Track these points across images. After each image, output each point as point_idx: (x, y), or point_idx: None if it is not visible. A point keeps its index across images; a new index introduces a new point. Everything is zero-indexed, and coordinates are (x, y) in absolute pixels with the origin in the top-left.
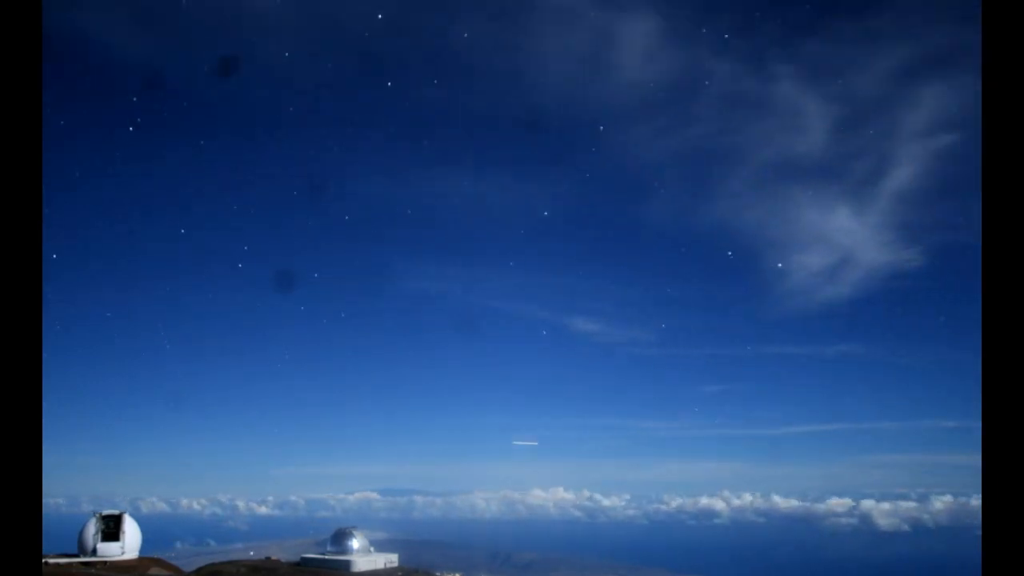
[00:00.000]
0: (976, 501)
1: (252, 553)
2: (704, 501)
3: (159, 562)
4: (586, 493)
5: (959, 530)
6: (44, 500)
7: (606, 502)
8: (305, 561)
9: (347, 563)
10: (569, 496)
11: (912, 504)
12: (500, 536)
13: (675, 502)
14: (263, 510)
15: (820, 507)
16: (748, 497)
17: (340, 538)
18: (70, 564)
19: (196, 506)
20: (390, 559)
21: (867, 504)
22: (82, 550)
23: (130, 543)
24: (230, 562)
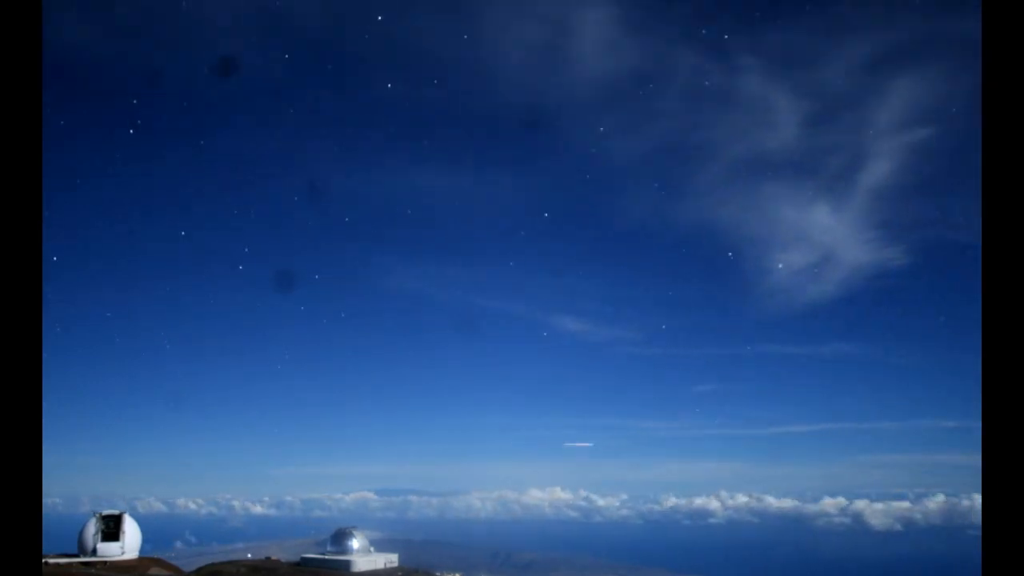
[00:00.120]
0: (968, 501)
1: (250, 555)
2: (700, 501)
3: (159, 562)
4: (583, 493)
5: (953, 530)
6: (44, 500)
7: (603, 502)
8: (305, 561)
9: (347, 563)
10: (567, 496)
11: (906, 504)
12: (499, 536)
13: (672, 502)
14: (258, 509)
15: (816, 507)
16: (743, 498)
17: (340, 538)
18: (70, 564)
19: (192, 505)
20: (390, 559)
21: (861, 504)
22: (82, 550)
23: (130, 543)
24: (230, 562)
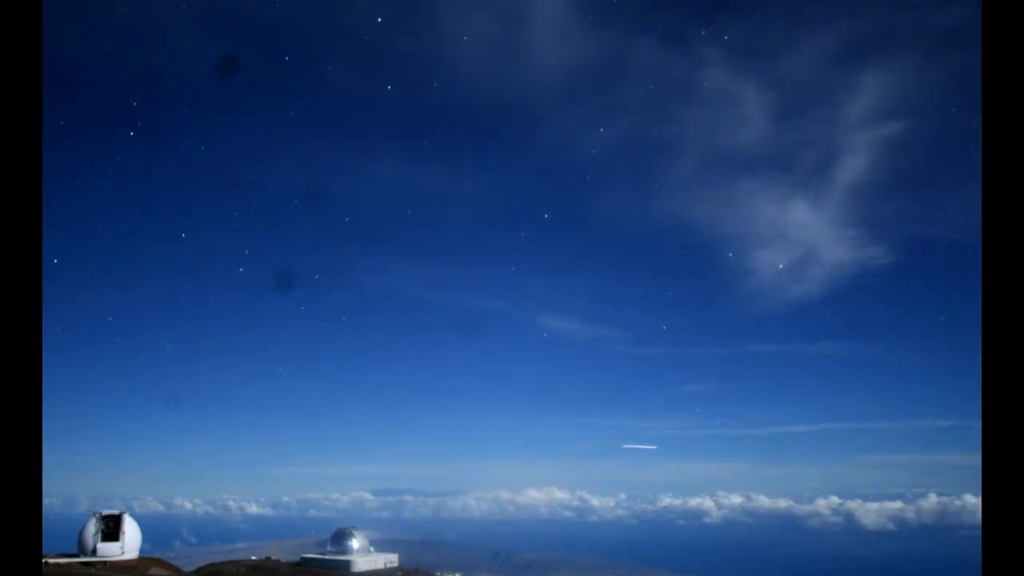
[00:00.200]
0: (960, 501)
1: (253, 557)
2: (697, 501)
3: (159, 562)
4: (580, 493)
5: (946, 529)
6: (44, 500)
7: (601, 502)
8: (305, 561)
9: (347, 563)
10: (564, 496)
11: (900, 504)
12: (498, 536)
13: (669, 502)
14: (255, 509)
15: (811, 507)
16: (739, 498)
17: (340, 538)
18: (70, 564)
19: (188, 505)
20: (390, 559)
21: (856, 504)
22: (82, 550)
23: (130, 543)
24: (230, 562)
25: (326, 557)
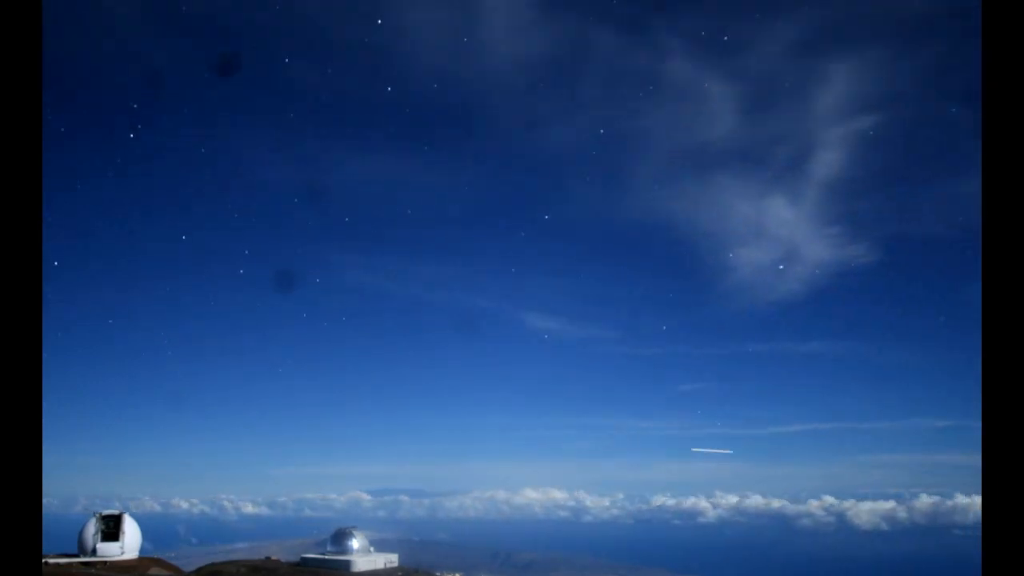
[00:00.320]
0: (951, 502)
1: (269, 556)
2: (691, 501)
3: (159, 562)
4: (577, 493)
5: (939, 529)
6: (44, 500)
7: (600, 502)
8: (305, 561)
9: (347, 563)
10: (561, 496)
11: (893, 504)
12: (495, 536)
13: (663, 502)
14: (250, 508)
15: (806, 507)
16: (733, 498)
17: (340, 538)
18: (70, 564)
19: (185, 504)
20: (390, 559)
21: (849, 503)
22: (82, 550)
23: (130, 543)
24: (230, 562)
25: (326, 557)
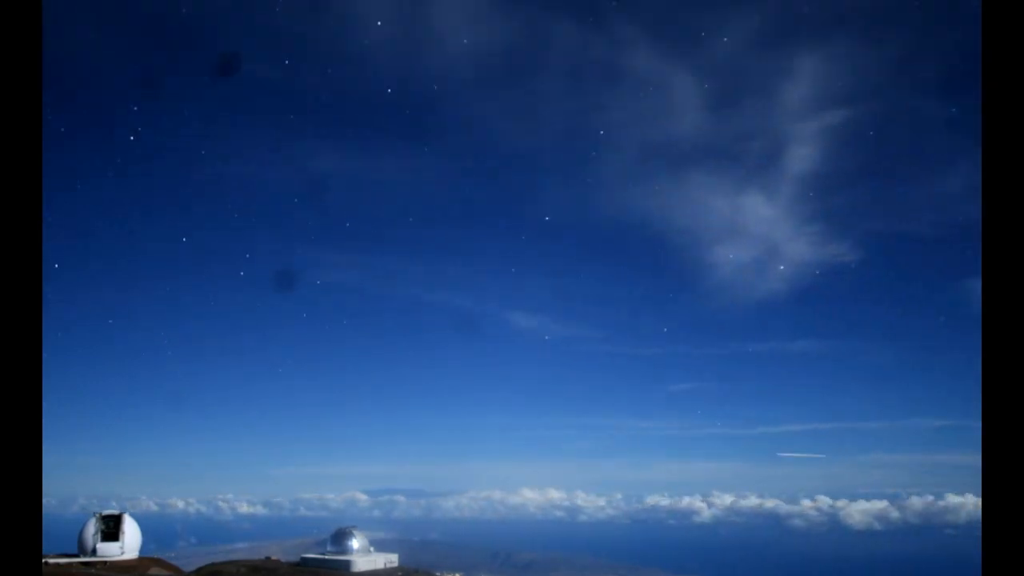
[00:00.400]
0: (943, 502)
1: (255, 556)
2: (687, 501)
3: (159, 562)
4: (574, 493)
5: (931, 529)
6: (44, 500)
7: (594, 502)
8: (305, 561)
9: (347, 563)
10: (558, 496)
11: (886, 504)
12: (492, 535)
13: (657, 502)
14: (245, 508)
15: (801, 507)
16: (728, 498)
17: (340, 538)
18: (70, 564)
19: (181, 504)
20: (390, 559)
21: (851, 504)
22: (82, 550)
23: (130, 543)
24: (230, 562)
25: (326, 557)
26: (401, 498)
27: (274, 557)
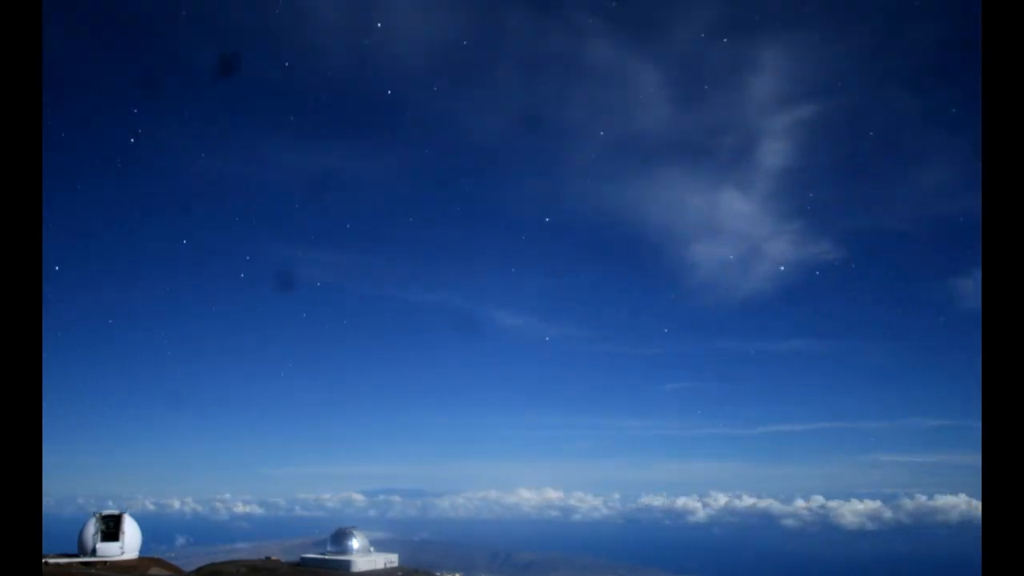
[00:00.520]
0: (936, 501)
1: (255, 556)
2: (687, 501)
3: (159, 562)
4: (572, 493)
5: (923, 528)
6: (44, 500)
7: (589, 501)
8: (305, 561)
9: (347, 563)
10: (555, 496)
11: (880, 504)
12: (490, 535)
13: (650, 501)
14: (240, 508)
15: (795, 507)
16: (723, 498)
17: (340, 538)
18: (70, 564)
19: (177, 504)
20: (390, 559)
21: (836, 503)
22: (82, 550)
23: (130, 543)
24: (230, 562)
25: (326, 557)
26: (397, 498)
27: (274, 557)
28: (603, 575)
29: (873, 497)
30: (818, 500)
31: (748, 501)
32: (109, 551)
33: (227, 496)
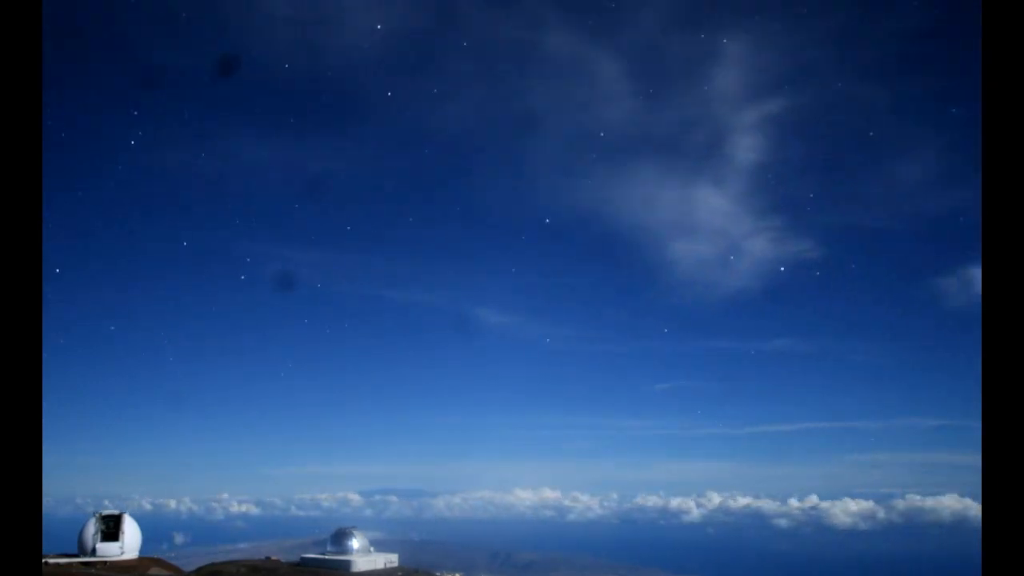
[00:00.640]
0: (929, 501)
1: (255, 556)
2: (682, 501)
3: (159, 562)
4: (569, 492)
5: (916, 528)
6: (44, 500)
7: (589, 502)
8: (305, 561)
9: (347, 563)
10: (552, 495)
11: (874, 504)
12: (487, 535)
13: (654, 502)
14: (235, 507)
15: (790, 507)
16: (718, 498)
17: (340, 538)
18: (70, 564)
19: (174, 504)
20: (390, 559)
21: (827, 504)
22: (82, 550)
23: (130, 543)
24: (230, 562)
25: (326, 557)
26: (394, 498)
27: (274, 557)
28: (601, 574)
29: (867, 497)
30: (812, 500)
31: (743, 501)
32: (109, 551)
33: (225, 496)
